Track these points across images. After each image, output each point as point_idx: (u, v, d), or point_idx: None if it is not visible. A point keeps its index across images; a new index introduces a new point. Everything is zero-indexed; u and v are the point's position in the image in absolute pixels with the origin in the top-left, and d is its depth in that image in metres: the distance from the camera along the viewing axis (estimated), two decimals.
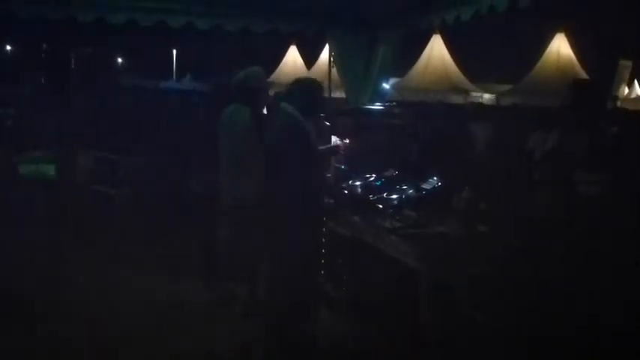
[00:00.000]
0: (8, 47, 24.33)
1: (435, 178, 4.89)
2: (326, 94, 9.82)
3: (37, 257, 6.13)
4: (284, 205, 4.59)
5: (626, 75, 17.25)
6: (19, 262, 5.87)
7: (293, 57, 21.66)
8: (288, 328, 4.72)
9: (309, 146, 4.68)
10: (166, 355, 4.66)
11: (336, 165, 6.00)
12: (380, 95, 8.07)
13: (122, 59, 27.74)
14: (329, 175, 6.06)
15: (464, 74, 18.65)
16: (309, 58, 20.86)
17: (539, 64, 17.58)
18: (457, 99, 16.58)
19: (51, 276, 5.87)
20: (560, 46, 17.43)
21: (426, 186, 4.85)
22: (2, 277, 5.43)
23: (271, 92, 6.25)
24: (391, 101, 9.38)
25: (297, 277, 4.68)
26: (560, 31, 17.55)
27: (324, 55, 17.45)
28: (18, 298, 5.37)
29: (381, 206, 4.82)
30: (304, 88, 4.94)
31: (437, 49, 18.43)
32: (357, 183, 5.31)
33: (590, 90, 5.83)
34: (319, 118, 5.19)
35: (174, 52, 32.71)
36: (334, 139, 6.18)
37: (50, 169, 7.42)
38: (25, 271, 5.79)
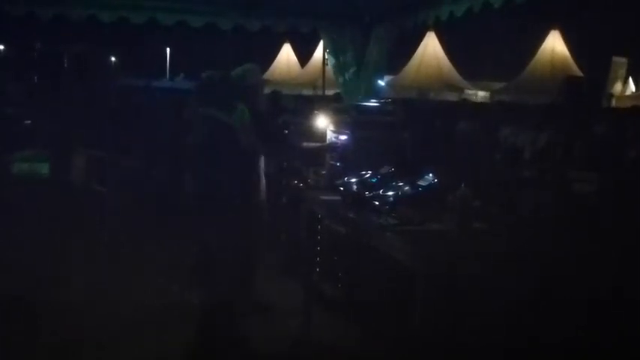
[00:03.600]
0: (0, 46, 24.24)
1: (431, 175, 4.86)
2: (320, 92, 9.82)
3: (30, 256, 6.10)
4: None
5: (621, 72, 17.27)
6: (12, 261, 5.84)
7: (286, 55, 21.63)
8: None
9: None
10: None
11: (331, 162, 5.98)
12: (374, 92, 8.05)
13: (115, 58, 27.68)
14: (324, 172, 6.05)
15: (458, 72, 18.66)
16: (303, 55, 20.84)
17: (534, 61, 17.60)
18: (451, 96, 16.60)
19: (43, 275, 5.84)
20: (555, 44, 17.45)
21: (421, 183, 4.82)
22: None
23: (266, 90, 6.25)
24: (386, 98, 9.35)
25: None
26: (555, 29, 17.57)
27: (318, 52, 17.42)
28: (8, 297, 5.34)
29: (376, 203, 4.79)
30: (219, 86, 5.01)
31: (431, 46, 18.44)
32: (353, 179, 5.29)
33: (583, 87, 5.84)
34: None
35: (168, 50, 32.64)
36: (329, 136, 6.17)
37: (43, 168, 7.38)
38: (17, 270, 5.76)
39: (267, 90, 12.26)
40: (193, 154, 5.13)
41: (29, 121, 8.69)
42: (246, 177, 5.17)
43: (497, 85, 18.83)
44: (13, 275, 5.65)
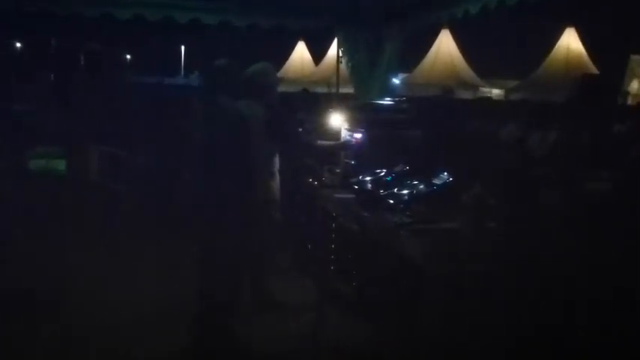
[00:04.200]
0: (17, 45, 24.38)
1: (446, 173, 4.85)
2: (334, 90, 9.81)
3: (46, 253, 6.15)
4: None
5: (638, 70, 17.11)
6: (28, 258, 5.90)
7: (300, 53, 21.63)
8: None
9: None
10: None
11: (346, 160, 5.99)
12: (389, 90, 8.05)
13: (130, 56, 27.77)
14: (338, 170, 6.05)
15: (472, 69, 18.59)
16: (317, 54, 20.83)
17: (549, 59, 17.49)
18: (466, 94, 16.53)
19: (59, 272, 5.90)
20: (570, 41, 17.33)
21: (436, 181, 4.81)
22: (10, 272, 5.44)
23: (280, 89, 6.25)
24: (400, 96, 9.34)
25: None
26: (570, 26, 17.45)
27: (332, 51, 17.40)
28: (24, 293, 5.39)
29: (391, 201, 4.79)
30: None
31: (445, 44, 18.37)
32: (367, 178, 5.28)
33: (599, 85, 5.79)
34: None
35: (182, 48, 32.73)
36: (343, 135, 6.17)
37: (60, 165, 7.45)
38: (33, 267, 5.82)
39: (295, 88, 12.30)
40: (198, 143, 5.06)
41: (45, 118, 8.76)
42: (256, 169, 5.12)
43: (512, 83, 18.73)
44: (31, 270, 5.72)
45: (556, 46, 17.50)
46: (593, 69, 16.44)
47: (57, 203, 6.85)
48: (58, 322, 5.07)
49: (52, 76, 12.81)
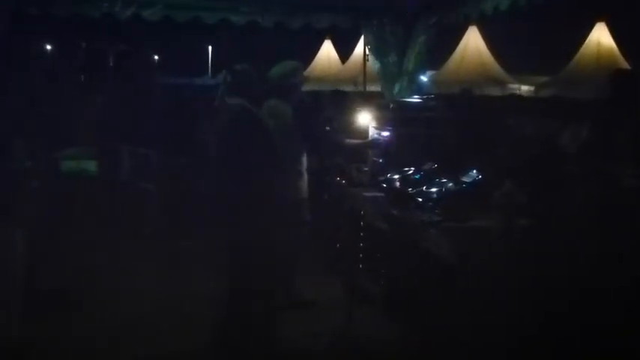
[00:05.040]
0: (47, 47, 24.71)
1: (475, 171, 4.82)
2: (361, 89, 9.79)
3: (80, 252, 6.24)
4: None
5: None
6: (63, 258, 5.99)
7: (327, 51, 21.61)
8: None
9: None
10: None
11: (374, 159, 5.97)
12: (417, 88, 8.01)
13: (159, 57, 28.00)
14: (366, 169, 6.04)
15: (501, 66, 18.41)
16: (344, 52, 20.79)
17: (579, 54, 17.24)
18: (494, 91, 16.37)
19: (93, 271, 5.98)
20: (601, 36, 17.05)
21: (465, 179, 4.78)
22: (46, 272, 5.51)
23: (305, 87, 6.25)
24: (429, 94, 9.30)
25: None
26: (601, 20, 17.19)
27: (359, 49, 17.36)
28: (59, 292, 5.48)
29: (419, 199, 4.77)
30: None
31: (473, 40, 18.20)
32: (396, 176, 5.27)
33: (632, 80, 5.69)
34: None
35: (210, 49, 32.88)
36: (371, 133, 6.16)
37: (91, 166, 7.53)
38: (68, 266, 5.91)
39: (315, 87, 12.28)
40: (217, 144, 5.07)
41: (75, 120, 8.87)
42: (283, 169, 5.12)
43: (542, 79, 18.52)
44: (64, 269, 5.80)
45: (586, 41, 17.23)
46: (625, 64, 16.17)
47: (89, 204, 6.94)
48: (96, 317, 5.19)
49: (82, 77, 12.96)
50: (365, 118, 6.34)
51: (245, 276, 4.82)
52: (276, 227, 4.92)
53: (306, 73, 7.81)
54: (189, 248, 6.85)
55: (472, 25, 17.42)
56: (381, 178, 5.46)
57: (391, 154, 5.69)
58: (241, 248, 4.86)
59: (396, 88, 7.96)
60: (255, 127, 4.81)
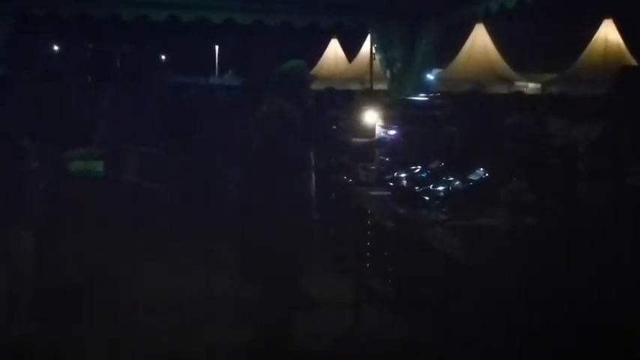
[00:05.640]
0: (54, 47, 24.80)
1: (482, 169, 4.81)
2: (368, 87, 9.79)
3: (88, 253, 6.27)
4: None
5: None
6: (71, 258, 6.01)
7: (334, 50, 21.61)
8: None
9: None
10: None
11: (381, 157, 5.97)
12: (423, 87, 8.00)
13: (165, 56, 28.07)
14: (373, 167, 6.04)
15: (508, 63, 18.37)
16: (351, 51, 20.78)
17: (586, 51, 17.18)
18: (501, 88, 16.34)
19: (102, 271, 6.01)
20: (608, 32, 16.99)
21: (472, 177, 4.77)
22: (55, 272, 5.55)
23: (313, 86, 6.25)
24: (435, 92, 9.26)
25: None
26: (608, 17, 17.13)
27: (366, 47, 17.35)
28: (68, 291, 5.51)
29: (427, 198, 4.76)
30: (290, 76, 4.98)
31: (480, 38, 18.16)
32: (403, 175, 5.26)
33: (638, 77, 5.66)
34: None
35: (217, 48, 32.92)
36: (378, 132, 6.15)
37: (98, 166, 7.55)
38: (76, 266, 5.93)
39: (321, 86, 12.30)
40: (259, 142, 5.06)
41: (83, 120, 8.90)
42: (292, 168, 5.14)
43: (549, 77, 18.46)
44: (76, 270, 5.83)
45: (594, 38, 17.17)
46: (632, 60, 16.10)
47: (96, 204, 6.96)
48: (105, 316, 5.22)
49: (89, 78, 13.01)
50: (372, 117, 6.33)
51: (256, 275, 4.82)
52: (284, 225, 4.93)
53: (313, 71, 7.81)
54: (196, 247, 6.86)
55: (479, 22, 17.39)
56: (388, 177, 5.45)
57: (398, 152, 5.68)
58: (251, 248, 4.87)
59: (403, 87, 7.95)
60: (297, 125, 4.82)
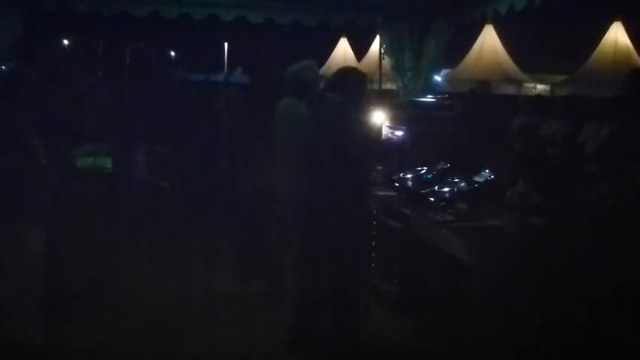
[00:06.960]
0: (65, 44, 24.87)
1: (488, 170, 4.82)
2: (376, 87, 9.80)
3: (96, 249, 6.29)
4: (344, 198, 4.49)
5: None
6: (77, 254, 6.04)
7: (343, 49, 21.59)
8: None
9: (364, 137, 4.64)
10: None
11: (388, 158, 5.99)
12: (432, 87, 8.00)
13: (175, 53, 28.09)
14: (379, 167, 6.05)
15: (517, 65, 18.33)
16: (360, 50, 20.76)
17: (595, 53, 17.13)
18: (510, 90, 16.31)
19: (108, 267, 6.04)
20: (618, 35, 16.94)
21: (478, 179, 4.79)
22: (61, 268, 5.58)
23: (321, 85, 6.25)
24: (443, 93, 9.28)
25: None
26: (618, 19, 17.08)
27: (375, 47, 17.35)
28: (74, 288, 5.54)
29: (432, 199, 4.78)
30: (351, 78, 4.91)
31: (489, 39, 18.12)
32: (409, 175, 5.28)
33: None
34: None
35: (226, 45, 32.86)
36: (385, 132, 6.18)
37: (107, 162, 7.57)
38: (82, 262, 5.96)
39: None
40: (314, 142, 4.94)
41: (92, 117, 8.93)
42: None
43: (558, 78, 18.41)
44: (83, 269, 5.86)
45: (603, 41, 17.12)
46: None
47: (105, 200, 6.99)
48: (116, 313, 5.23)
49: (99, 75, 13.04)
50: (379, 117, 6.35)
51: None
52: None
53: (322, 70, 7.83)
54: (202, 244, 6.87)
55: (488, 24, 17.37)
56: (394, 178, 5.47)
57: (404, 153, 5.70)
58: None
59: (411, 87, 7.96)
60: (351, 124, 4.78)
